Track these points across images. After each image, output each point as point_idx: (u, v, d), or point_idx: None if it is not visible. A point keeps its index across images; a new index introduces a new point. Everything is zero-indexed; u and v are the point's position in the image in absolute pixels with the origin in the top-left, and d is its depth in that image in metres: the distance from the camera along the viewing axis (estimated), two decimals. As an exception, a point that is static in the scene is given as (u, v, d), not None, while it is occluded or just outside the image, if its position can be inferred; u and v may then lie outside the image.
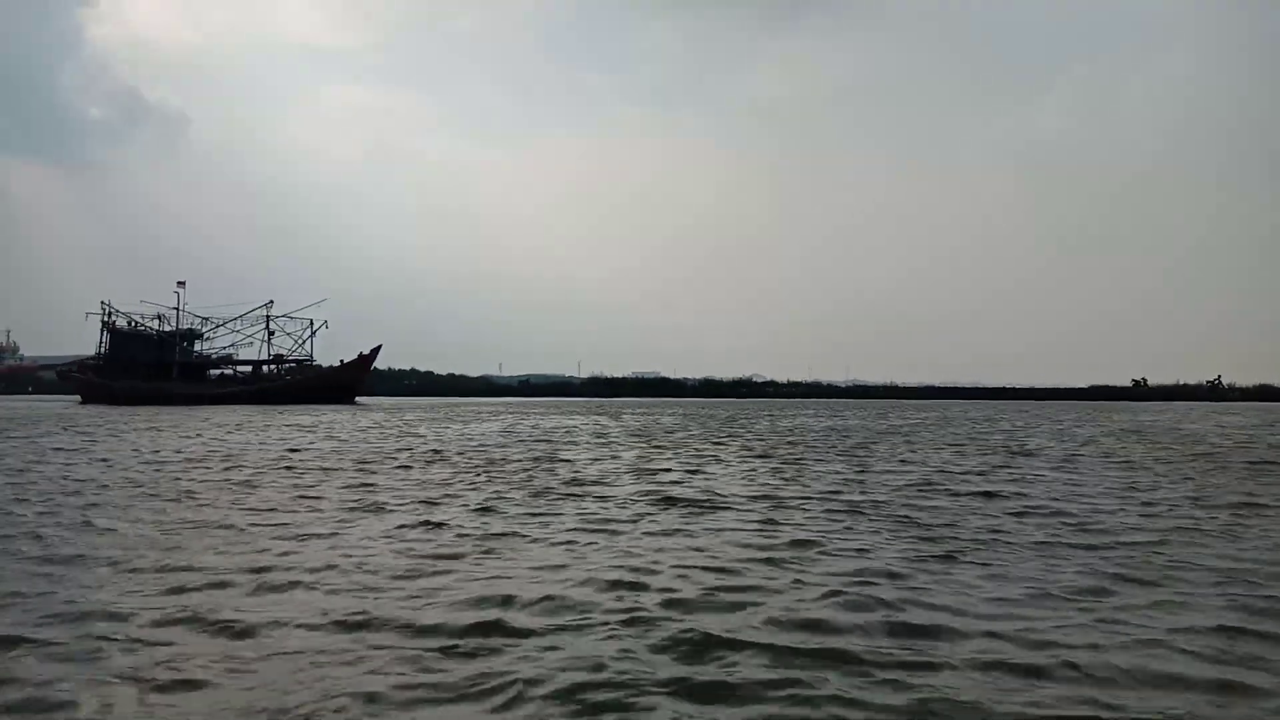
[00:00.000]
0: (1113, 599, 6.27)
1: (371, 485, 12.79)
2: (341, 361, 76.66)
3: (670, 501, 11.00)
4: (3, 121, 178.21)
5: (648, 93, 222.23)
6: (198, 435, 24.87)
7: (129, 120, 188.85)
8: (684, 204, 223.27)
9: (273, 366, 77.25)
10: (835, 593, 6.29)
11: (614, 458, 17.73)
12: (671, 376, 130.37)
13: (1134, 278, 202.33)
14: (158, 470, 14.85)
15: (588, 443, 22.34)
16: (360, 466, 15.66)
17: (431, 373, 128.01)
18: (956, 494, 11.99)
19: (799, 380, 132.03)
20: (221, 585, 6.54)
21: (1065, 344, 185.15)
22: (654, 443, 22.35)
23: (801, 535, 8.68)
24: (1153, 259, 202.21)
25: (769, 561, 7.48)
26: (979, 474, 14.83)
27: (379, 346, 77.55)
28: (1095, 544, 8.30)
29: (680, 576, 6.88)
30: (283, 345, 78.03)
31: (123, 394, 69.21)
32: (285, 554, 7.71)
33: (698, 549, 7.99)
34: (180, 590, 6.39)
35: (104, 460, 16.70)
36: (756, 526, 9.23)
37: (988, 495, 11.78)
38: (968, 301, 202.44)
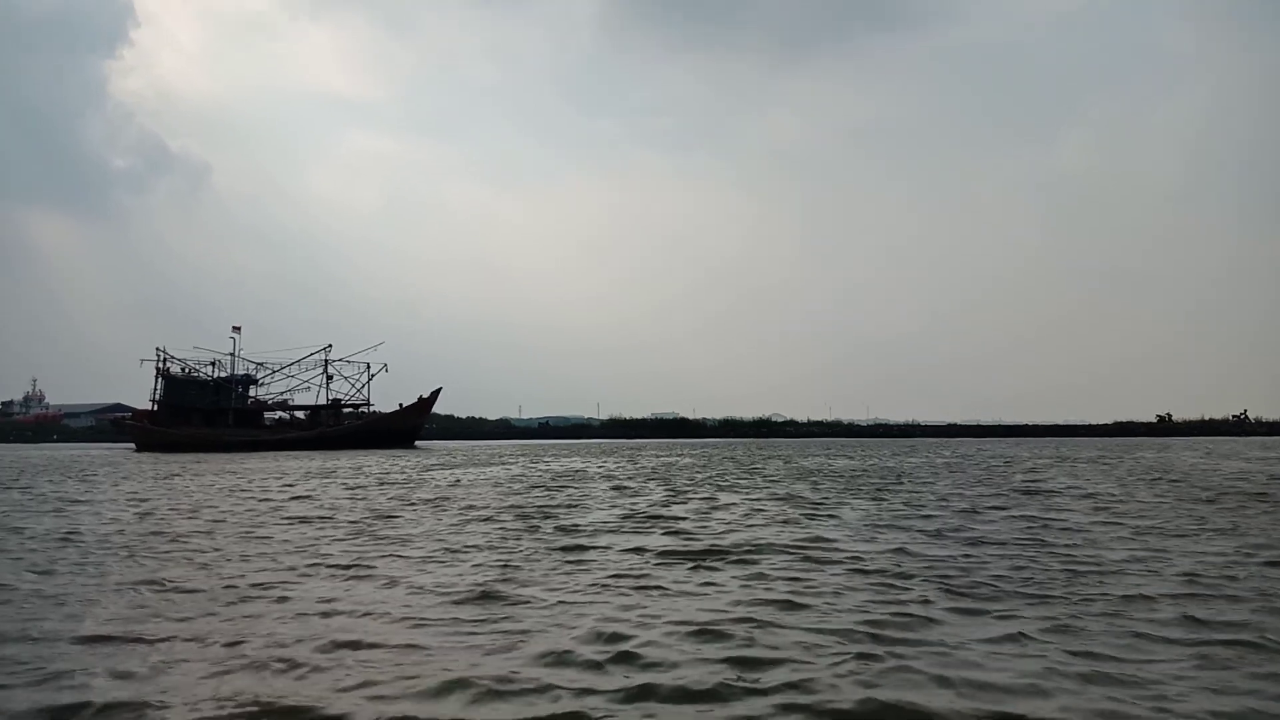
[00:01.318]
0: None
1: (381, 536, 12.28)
2: (401, 405, 75.57)
3: (685, 554, 10.41)
4: (29, 172, 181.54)
5: (665, 137, 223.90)
6: (246, 479, 24.50)
7: (152, 169, 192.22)
8: (704, 247, 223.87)
9: (330, 410, 76.37)
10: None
11: (620, 502, 17.13)
12: (691, 417, 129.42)
13: (1158, 312, 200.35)
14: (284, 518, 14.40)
15: (598, 486, 21.74)
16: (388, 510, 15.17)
17: (452, 415, 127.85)
18: (1000, 543, 11.33)
19: (820, 419, 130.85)
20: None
21: (1088, 380, 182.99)
22: (668, 485, 21.73)
23: (835, 602, 8.07)
24: (1177, 293, 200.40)
25: (801, 645, 6.87)
26: (1015, 521, 14.13)
27: (439, 389, 76.47)
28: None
29: (672, 646, 6.29)
30: (339, 389, 77.28)
31: (178, 441, 68.76)
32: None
33: (706, 609, 7.40)
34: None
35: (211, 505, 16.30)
36: (777, 583, 8.63)
37: (1040, 544, 11.12)
38: (990, 339, 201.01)
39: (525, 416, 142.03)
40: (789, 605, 7.36)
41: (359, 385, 77.12)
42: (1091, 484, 21.27)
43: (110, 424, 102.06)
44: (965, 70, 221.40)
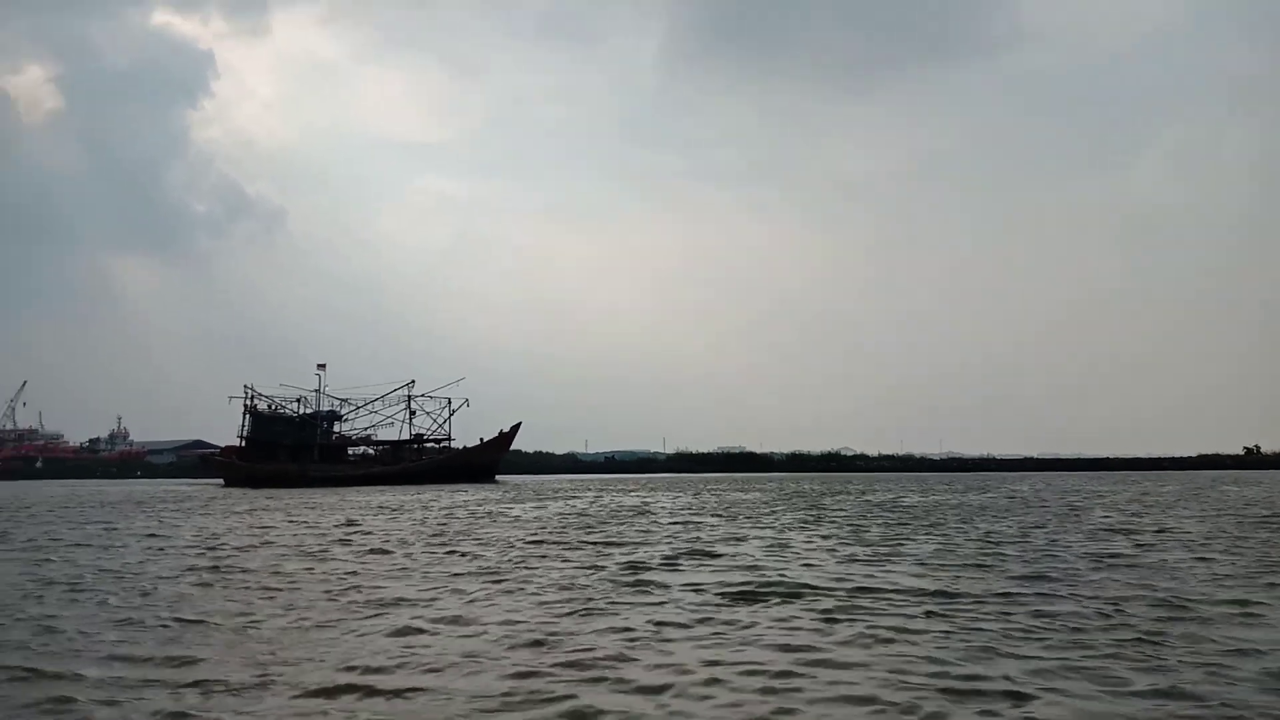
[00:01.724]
0: None
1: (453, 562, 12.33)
2: (481, 440, 75.87)
3: (748, 595, 10.23)
4: (117, 220, 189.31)
5: (728, 171, 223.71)
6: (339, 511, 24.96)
7: (230, 214, 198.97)
8: (769, 278, 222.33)
9: (413, 445, 76.88)
10: None
11: (684, 536, 16.94)
12: (758, 451, 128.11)
13: (1241, 339, 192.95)
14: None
15: (663, 521, 21.55)
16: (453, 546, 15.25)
17: (519, 450, 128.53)
18: (1081, 584, 10.91)
19: (891, 453, 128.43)
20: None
21: (1170, 411, 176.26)
22: (733, 520, 21.46)
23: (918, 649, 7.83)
24: (1261, 320, 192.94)
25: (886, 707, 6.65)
26: (1101, 556, 13.62)
27: (518, 424, 76.83)
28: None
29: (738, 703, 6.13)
30: (421, 425, 77.78)
31: (264, 476, 69.79)
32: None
33: (781, 661, 7.23)
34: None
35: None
36: (845, 624, 8.40)
37: (1130, 585, 10.68)
38: (1066, 370, 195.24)
39: (591, 451, 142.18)
40: (856, 647, 7.15)
41: (440, 420, 77.75)
42: (1174, 518, 20.44)
43: (199, 459, 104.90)
44: (1031, 98, 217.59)
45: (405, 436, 77.68)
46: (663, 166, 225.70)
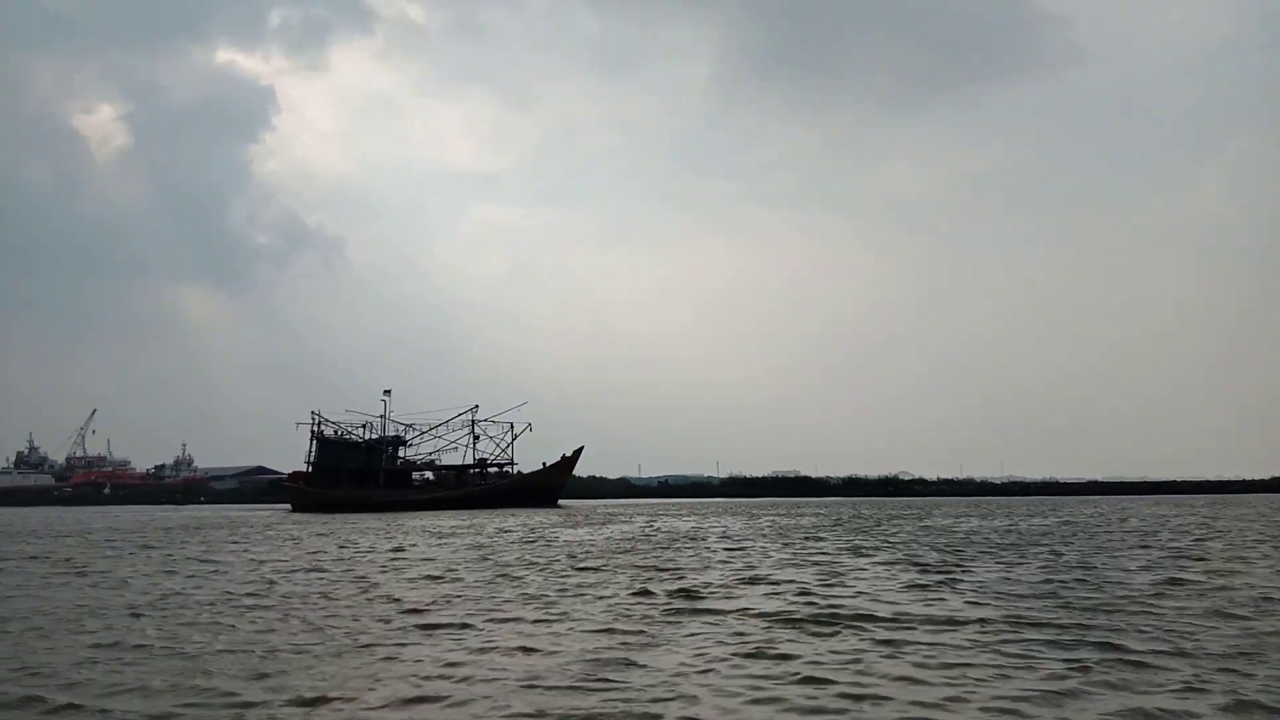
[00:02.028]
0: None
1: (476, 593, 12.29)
2: (544, 464, 75.96)
3: (803, 623, 10.02)
4: (182, 252, 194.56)
5: (781, 194, 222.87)
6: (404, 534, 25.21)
7: (290, 245, 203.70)
8: (824, 301, 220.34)
9: (476, 470, 77.14)
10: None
11: (736, 562, 16.71)
12: (813, 475, 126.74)
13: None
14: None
15: (715, 546, 21.31)
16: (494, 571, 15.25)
17: (573, 475, 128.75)
18: (1151, 614, 10.52)
19: (950, 477, 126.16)
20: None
21: (1240, 432, 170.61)
22: (788, 545, 21.14)
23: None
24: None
25: None
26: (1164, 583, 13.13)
27: (580, 448, 76.61)
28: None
29: None
30: (484, 449, 77.72)
31: (330, 501, 70.42)
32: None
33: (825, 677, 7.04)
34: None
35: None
36: (904, 655, 8.17)
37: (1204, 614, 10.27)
38: (1132, 390, 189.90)
39: (644, 475, 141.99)
40: (912, 680, 6.94)
41: (503, 445, 77.50)
42: (1245, 543, 19.67)
43: (267, 485, 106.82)
44: (1087, 116, 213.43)
45: (469, 461, 77.85)
46: (716, 190, 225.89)
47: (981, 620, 9.66)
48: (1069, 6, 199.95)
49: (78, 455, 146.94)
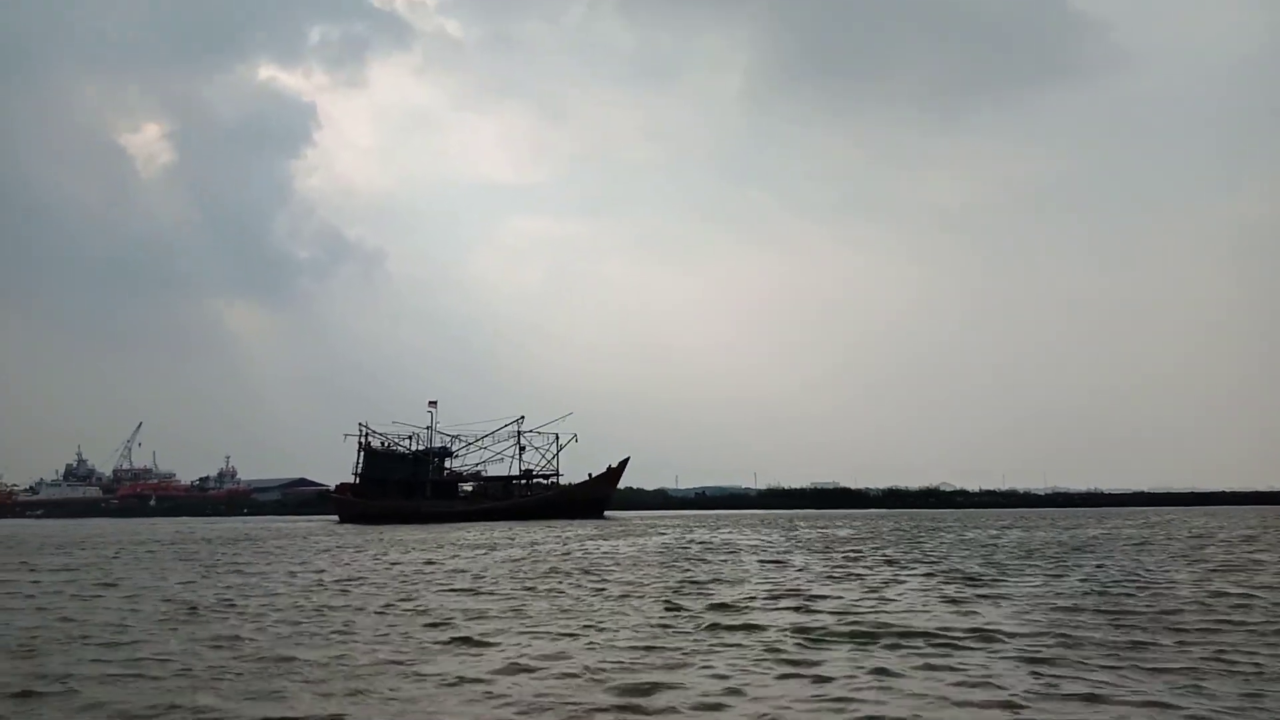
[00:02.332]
0: None
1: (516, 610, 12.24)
2: (589, 476, 75.54)
3: (844, 638, 9.84)
4: (226, 267, 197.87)
5: (820, 204, 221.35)
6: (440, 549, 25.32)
7: (331, 258, 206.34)
8: (865, 312, 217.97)
9: (523, 481, 76.90)
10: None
11: (772, 577, 16.50)
12: (853, 487, 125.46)
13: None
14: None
15: (751, 559, 21.09)
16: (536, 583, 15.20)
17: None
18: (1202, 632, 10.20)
19: (993, 489, 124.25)
20: None
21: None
22: (826, 558, 20.87)
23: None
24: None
25: None
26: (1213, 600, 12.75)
27: (626, 459, 75.84)
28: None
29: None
30: (530, 460, 77.40)
31: (378, 512, 70.64)
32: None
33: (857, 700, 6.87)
34: None
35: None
36: (942, 675, 7.97)
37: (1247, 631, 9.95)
38: (1180, 400, 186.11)
39: (682, 487, 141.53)
40: (947, 702, 6.76)
41: (549, 456, 77.08)
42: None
43: (316, 496, 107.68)
44: (1132, 121, 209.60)
45: (514, 472, 77.34)
46: (753, 201, 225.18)
47: (1013, 635, 9.42)
48: (1109, 10, 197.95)
49: (124, 468, 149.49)
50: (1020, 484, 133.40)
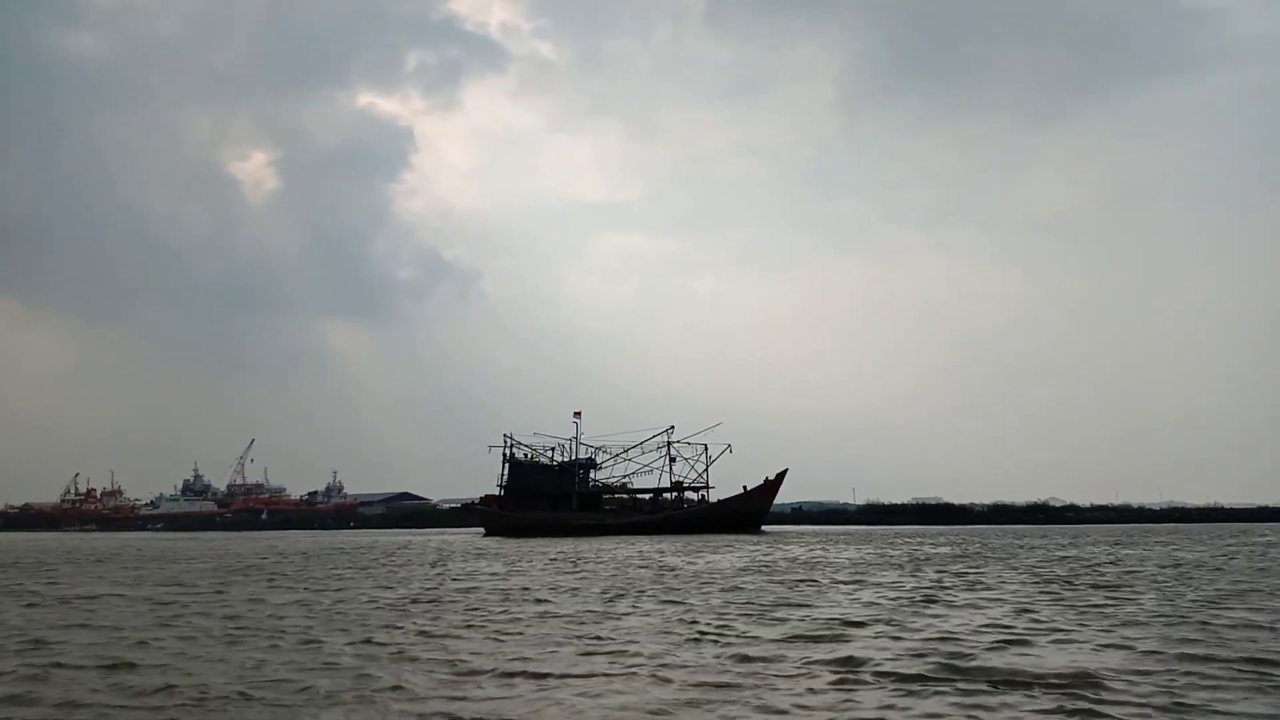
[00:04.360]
0: None
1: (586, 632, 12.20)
2: (745, 488, 72.44)
3: (939, 678, 9.50)
4: (330, 289, 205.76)
5: (915, 211, 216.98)
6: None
7: (430, 278, 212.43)
8: (964, 321, 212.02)
9: (673, 494, 74.76)
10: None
11: (857, 596, 16.06)
12: (956, 502, 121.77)
13: None
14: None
15: (840, 577, 20.59)
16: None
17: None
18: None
19: (1104, 504, 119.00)
20: None
21: None
22: (917, 578, 20.19)
23: None
24: None
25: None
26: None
27: (784, 471, 72.10)
28: None
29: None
30: (680, 472, 74.92)
31: (525, 525, 69.86)
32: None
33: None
34: None
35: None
36: None
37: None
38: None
39: (778, 502, 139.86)
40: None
41: (699, 468, 74.60)
42: None
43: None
44: (1243, 116, 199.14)
45: (663, 484, 75.27)
46: (847, 210, 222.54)
47: (1139, 671, 8.93)
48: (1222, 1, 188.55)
49: (238, 483, 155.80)
50: (1134, 498, 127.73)
